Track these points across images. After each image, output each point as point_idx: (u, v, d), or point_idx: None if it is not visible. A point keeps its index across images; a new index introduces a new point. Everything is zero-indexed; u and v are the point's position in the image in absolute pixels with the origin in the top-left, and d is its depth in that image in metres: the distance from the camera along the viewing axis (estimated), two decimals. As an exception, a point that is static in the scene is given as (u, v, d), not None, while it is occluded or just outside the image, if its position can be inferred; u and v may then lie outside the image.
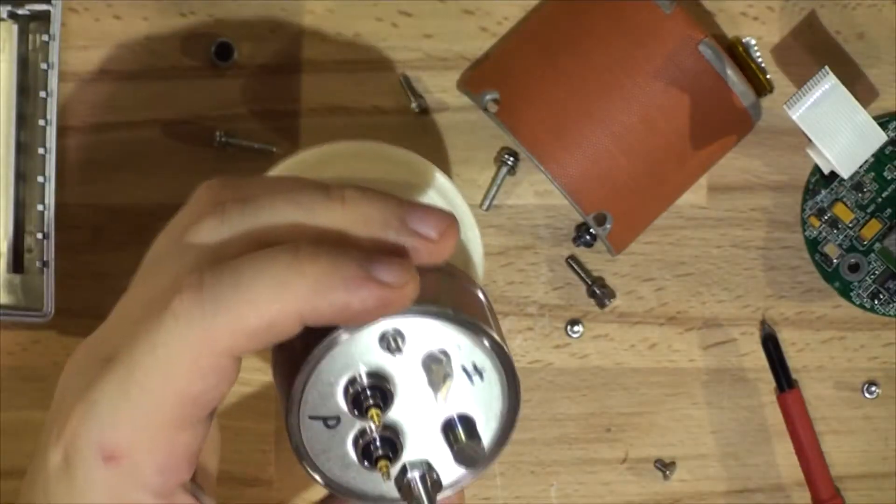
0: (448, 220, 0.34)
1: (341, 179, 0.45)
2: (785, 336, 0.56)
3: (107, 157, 0.54)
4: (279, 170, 0.49)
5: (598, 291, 0.55)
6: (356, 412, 0.34)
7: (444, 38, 0.55)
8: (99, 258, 0.54)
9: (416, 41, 0.55)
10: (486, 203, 0.55)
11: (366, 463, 0.35)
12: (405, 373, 0.35)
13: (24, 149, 0.51)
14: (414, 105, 0.54)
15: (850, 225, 0.55)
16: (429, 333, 0.34)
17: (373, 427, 0.35)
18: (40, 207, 0.50)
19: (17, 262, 0.51)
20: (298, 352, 0.34)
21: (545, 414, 0.56)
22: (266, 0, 0.54)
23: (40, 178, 0.50)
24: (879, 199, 0.55)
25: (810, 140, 0.51)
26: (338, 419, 0.35)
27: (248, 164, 0.54)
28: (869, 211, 0.55)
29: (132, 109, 0.54)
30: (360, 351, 0.34)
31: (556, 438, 0.56)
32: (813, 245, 0.55)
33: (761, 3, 0.55)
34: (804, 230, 0.55)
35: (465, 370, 0.35)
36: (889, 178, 0.55)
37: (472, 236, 0.51)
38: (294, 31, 0.54)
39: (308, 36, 0.55)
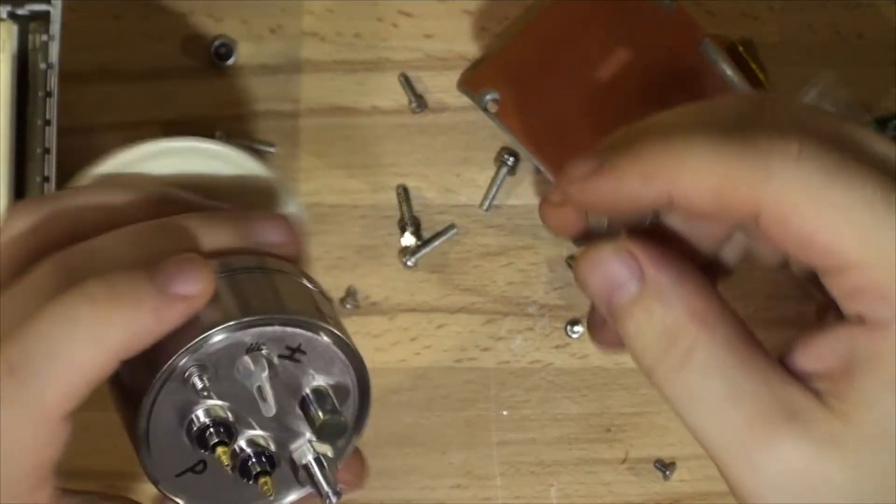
0: (285, 224, 0.35)
1: (160, 178, 0.44)
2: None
3: (107, 157, 0.54)
4: (102, 170, 0.46)
5: (598, 291, 0.55)
6: (209, 451, 0.34)
7: (444, 38, 0.55)
8: (99, 258, 0.54)
9: (416, 41, 0.55)
10: (486, 203, 0.55)
11: (249, 482, 0.35)
12: (230, 391, 0.34)
13: (25, 149, 0.51)
14: (414, 105, 0.54)
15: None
16: (225, 350, 0.34)
17: (244, 451, 0.35)
18: (40, 207, 0.50)
19: (17, 262, 0.51)
20: (132, 405, 0.34)
21: (545, 414, 0.56)
22: (266, 0, 0.54)
23: (40, 178, 0.50)
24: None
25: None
26: (203, 462, 0.35)
27: (248, 164, 0.54)
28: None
29: (132, 109, 0.54)
30: (180, 399, 0.34)
31: (556, 438, 0.56)
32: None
33: (761, 3, 0.55)
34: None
35: (284, 357, 0.34)
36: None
37: (292, 207, 0.49)
38: (294, 31, 0.54)
39: (308, 36, 0.55)
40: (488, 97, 0.52)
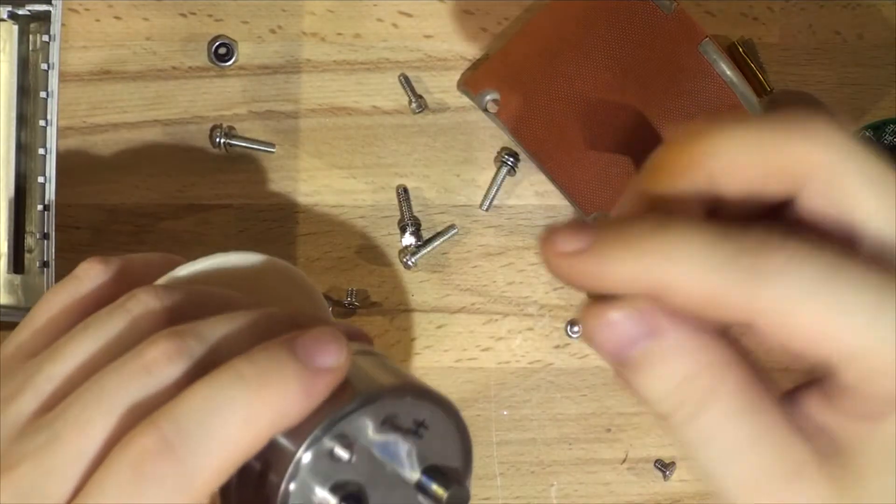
0: (334, 340, 0.34)
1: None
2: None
3: (107, 157, 0.54)
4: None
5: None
6: None
7: (444, 38, 0.55)
8: (99, 258, 0.54)
9: (416, 41, 0.55)
10: (486, 203, 0.55)
11: None
12: (362, 467, 0.34)
13: (25, 149, 0.51)
14: (414, 105, 0.54)
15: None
16: (364, 421, 0.34)
17: None
18: (40, 207, 0.50)
19: (18, 262, 0.51)
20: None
21: (545, 414, 0.56)
22: (266, 0, 0.54)
23: (40, 178, 0.50)
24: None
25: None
26: None
27: (248, 164, 0.54)
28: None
29: (132, 109, 0.54)
30: (315, 474, 0.33)
31: (556, 438, 0.56)
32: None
33: (761, 3, 0.55)
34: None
35: (412, 432, 0.35)
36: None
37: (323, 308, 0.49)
38: (294, 31, 0.54)
39: (308, 36, 0.55)
40: (488, 97, 0.52)
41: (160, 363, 0.33)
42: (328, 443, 0.33)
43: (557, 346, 0.56)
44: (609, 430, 0.56)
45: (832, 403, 0.30)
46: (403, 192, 0.55)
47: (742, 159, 0.29)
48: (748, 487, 0.29)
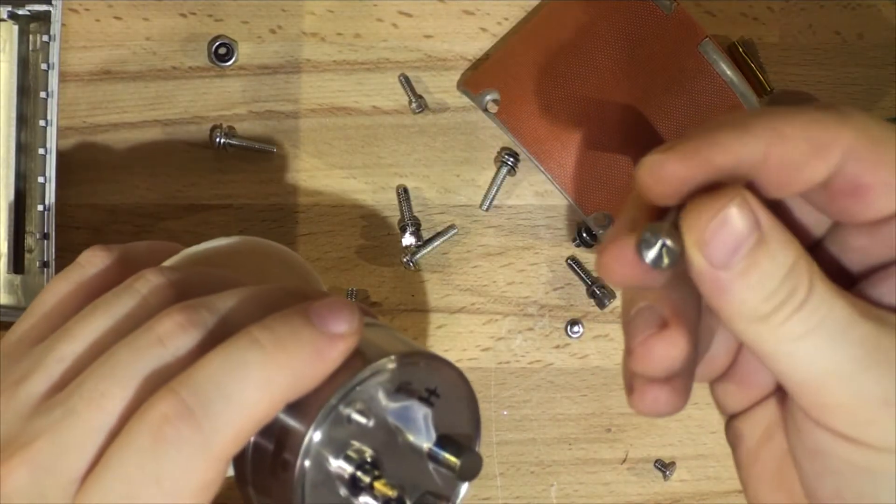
0: (346, 308, 0.34)
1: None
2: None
3: (107, 157, 0.54)
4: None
5: (598, 292, 0.55)
6: (359, 493, 0.34)
7: (444, 38, 0.55)
8: (99, 258, 0.54)
9: (416, 41, 0.55)
10: (486, 203, 0.55)
11: None
12: (377, 437, 0.34)
13: (25, 149, 0.51)
14: (414, 105, 0.54)
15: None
16: (378, 389, 0.34)
17: (386, 496, 0.34)
18: (40, 207, 0.50)
19: (18, 262, 0.51)
20: (274, 473, 0.33)
21: (545, 414, 0.56)
22: (266, 0, 0.54)
23: (40, 179, 0.50)
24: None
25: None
26: None
27: (248, 164, 0.54)
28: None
29: (132, 109, 0.54)
30: (331, 443, 0.33)
31: (556, 438, 0.56)
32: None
33: (761, 3, 0.55)
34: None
35: (425, 399, 0.35)
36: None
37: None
38: (294, 31, 0.54)
39: (308, 36, 0.55)
40: (488, 97, 0.52)
41: (174, 334, 0.33)
42: (344, 410, 0.33)
43: (557, 346, 0.56)
44: (609, 430, 0.56)
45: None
46: (403, 192, 0.55)
47: (793, 142, 0.30)
48: (850, 370, 0.29)
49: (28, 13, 0.50)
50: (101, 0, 0.54)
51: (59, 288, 0.38)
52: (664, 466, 0.56)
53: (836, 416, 0.30)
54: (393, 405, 0.34)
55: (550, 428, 0.56)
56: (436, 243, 0.55)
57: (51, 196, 0.50)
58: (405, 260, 0.55)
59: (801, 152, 0.29)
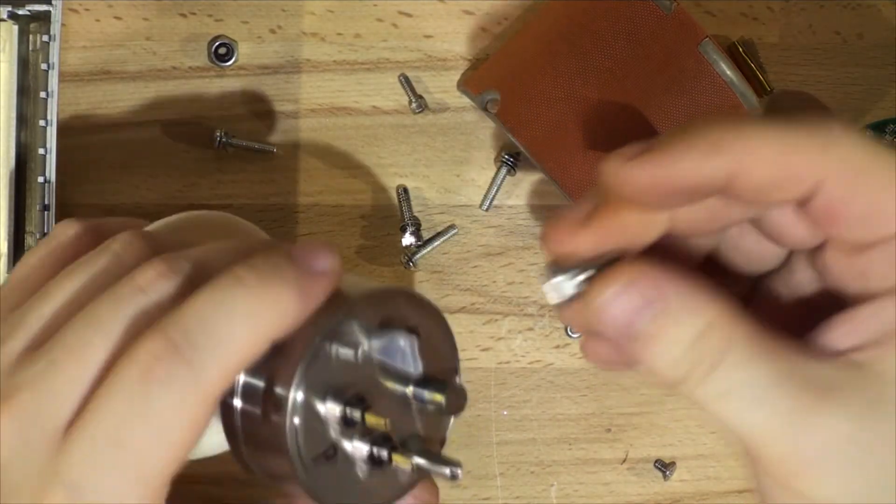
0: (325, 247, 0.35)
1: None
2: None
3: (107, 157, 0.54)
4: None
5: (598, 291, 0.55)
6: (351, 429, 0.34)
7: (444, 38, 0.55)
8: (99, 258, 0.54)
9: (416, 41, 0.55)
10: (486, 203, 0.55)
11: (382, 463, 0.35)
12: (362, 376, 0.34)
13: (25, 149, 0.51)
14: (414, 105, 0.54)
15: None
16: (361, 325, 0.34)
17: (381, 426, 0.34)
18: (40, 207, 0.50)
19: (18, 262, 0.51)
20: (264, 422, 0.33)
21: (545, 414, 0.56)
22: (266, 0, 0.54)
23: (40, 178, 0.50)
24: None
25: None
26: (333, 448, 0.34)
27: (248, 164, 0.54)
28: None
29: (132, 109, 0.54)
30: (319, 381, 0.33)
31: (556, 438, 0.56)
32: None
33: (761, 3, 0.55)
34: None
35: (409, 329, 0.35)
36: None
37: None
38: (294, 31, 0.54)
39: (308, 36, 0.55)
40: (488, 97, 0.52)
41: (154, 282, 0.33)
42: (330, 347, 0.33)
43: (557, 346, 0.56)
44: (609, 430, 0.56)
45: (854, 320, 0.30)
46: (403, 193, 0.55)
47: (762, 164, 0.29)
48: (779, 426, 0.29)
49: (28, 13, 0.50)
50: (101, 0, 0.54)
51: (35, 257, 0.38)
52: (664, 466, 0.56)
53: (777, 468, 0.29)
54: (377, 342, 0.34)
55: (550, 428, 0.56)
56: (436, 243, 0.55)
57: (51, 196, 0.50)
58: (405, 260, 0.55)
59: (770, 177, 0.29)
